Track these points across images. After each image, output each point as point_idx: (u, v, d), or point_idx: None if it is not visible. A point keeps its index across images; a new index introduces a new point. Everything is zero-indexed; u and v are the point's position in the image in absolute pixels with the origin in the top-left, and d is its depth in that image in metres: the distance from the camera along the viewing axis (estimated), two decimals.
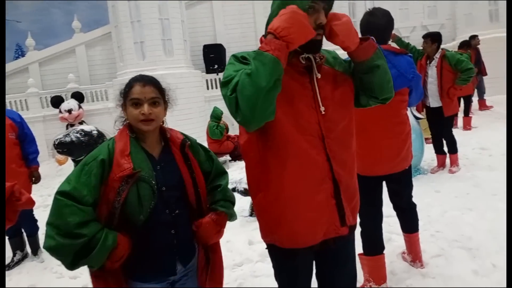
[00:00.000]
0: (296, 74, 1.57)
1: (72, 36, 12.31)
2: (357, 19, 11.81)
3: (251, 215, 4.71)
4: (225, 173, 1.97)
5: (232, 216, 1.89)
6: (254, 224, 4.39)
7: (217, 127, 7.93)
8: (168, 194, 1.66)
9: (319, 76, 1.58)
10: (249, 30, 13.09)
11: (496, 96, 11.52)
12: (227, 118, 10.76)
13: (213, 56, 11.83)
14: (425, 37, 5.36)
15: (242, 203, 5.05)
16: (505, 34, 12.34)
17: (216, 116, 8.07)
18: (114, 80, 10.78)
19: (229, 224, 4.78)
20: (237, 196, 5.12)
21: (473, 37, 9.94)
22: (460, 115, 7.84)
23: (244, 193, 4.58)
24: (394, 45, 5.34)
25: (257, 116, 1.36)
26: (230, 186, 6.08)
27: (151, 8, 10.12)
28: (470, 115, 8.42)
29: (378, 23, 2.76)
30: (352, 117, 1.69)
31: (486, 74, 9.89)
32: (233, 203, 1.91)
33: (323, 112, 1.55)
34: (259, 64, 1.32)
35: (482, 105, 10.12)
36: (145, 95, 1.64)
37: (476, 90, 9.82)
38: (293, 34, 1.35)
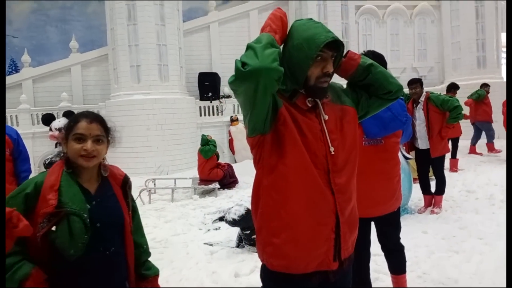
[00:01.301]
0: (303, 111, 1.61)
1: (67, 55, 12.37)
2: None
3: (238, 246, 4.67)
4: (142, 229, 1.95)
5: (154, 267, 1.92)
6: (241, 255, 4.36)
7: (208, 145, 8.00)
8: (104, 230, 1.63)
9: (326, 117, 1.61)
10: None
11: (483, 140, 11.77)
12: (218, 145, 10.81)
13: (207, 84, 11.96)
14: (413, 82, 5.50)
15: (229, 234, 5.02)
16: (490, 81, 12.80)
17: (204, 140, 8.14)
18: (107, 102, 10.80)
19: (215, 255, 4.74)
20: (224, 226, 5.15)
21: (485, 85, 10.21)
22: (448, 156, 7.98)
23: (232, 223, 4.52)
24: None
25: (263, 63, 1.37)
26: (217, 215, 6.05)
27: (150, 33, 10.27)
28: (457, 157, 8.58)
29: None
30: (357, 152, 1.72)
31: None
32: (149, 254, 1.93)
33: (332, 153, 1.59)
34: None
35: (491, 148, 10.27)
36: (90, 131, 1.65)
37: (485, 134, 10.07)
38: None
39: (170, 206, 6.90)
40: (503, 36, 13.86)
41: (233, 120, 11.40)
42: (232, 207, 4.70)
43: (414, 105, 5.52)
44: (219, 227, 5.46)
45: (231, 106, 12.05)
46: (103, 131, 1.72)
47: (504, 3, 14.44)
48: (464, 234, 4.58)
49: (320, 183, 1.57)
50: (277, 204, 1.59)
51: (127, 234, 1.74)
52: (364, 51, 3.00)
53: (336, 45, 1.57)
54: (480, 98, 9.82)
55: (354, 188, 1.72)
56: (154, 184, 8.09)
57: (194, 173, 8.57)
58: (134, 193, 7.55)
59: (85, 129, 1.64)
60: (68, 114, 10.49)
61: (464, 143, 9.71)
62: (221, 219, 5.52)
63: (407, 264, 3.11)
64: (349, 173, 1.66)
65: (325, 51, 1.54)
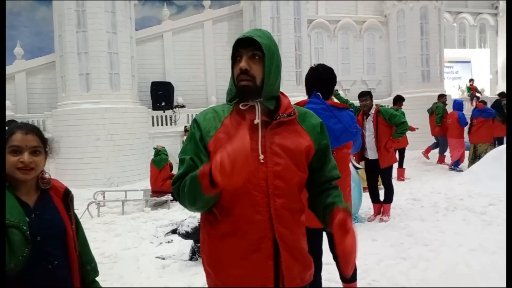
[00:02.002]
0: (243, 126, 1.56)
1: (12, 62, 11.78)
2: (302, 69, 12.40)
3: (191, 259, 4.58)
4: (89, 245, 1.86)
5: None
6: (194, 268, 4.28)
7: (160, 154, 7.87)
8: (45, 244, 1.58)
9: (257, 121, 1.56)
10: (198, 70, 13.26)
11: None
12: (171, 156, 10.63)
13: (161, 94, 11.78)
14: (364, 95, 5.71)
15: (182, 246, 4.93)
16: (434, 94, 13.49)
17: (156, 152, 8.01)
18: (53, 111, 10.36)
19: (167, 269, 4.63)
20: (177, 239, 5.05)
21: (441, 96, 10.75)
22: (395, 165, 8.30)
23: (185, 235, 4.44)
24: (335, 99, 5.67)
25: (198, 208, 1.56)
26: (170, 228, 5.93)
27: (100, 41, 9.99)
28: (403, 167, 8.95)
29: (322, 78, 2.94)
30: (304, 177, 1.65)
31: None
32: None
33: (261, 161, 1.53)
34: (189, 183, 1.47)
35: (441, 160, 10.73)
36: (26, 143, 1.59)
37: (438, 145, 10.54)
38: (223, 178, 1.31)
39: (120, 219, 6.68)
40: (446, 52, 14.71)
41: (187, 130, 11.23)
42: (185, 219, 4.63)
43: (365, 117, 5.71)
44: (172, 240, 5.34)
45: (184, 116, 11.92)
46: (40, 142, 1.64)
47: (447, 22, 15.37)
48: (411, 241, 4.75)
49: (248, 208, 1.53)
50: (215, 226, 1.63)
51: (70, 248, 1.67)
52: (314, 64, 3.08)
53: (254, 43, 1.54)
54: (442, 112, 10.28)
55: (300, 212, 1.66)
56: (104, 196, 7.81)
57: (146, 184, 8.36)
58: (83, 206, 7.31)
59: (21, 141, 1.58)
60: (10, 123, 9.97)
61: (409, 153, 10.14)
62: (174, 231, 5.41)
63: (358, 272, 3.18)
64: (293, 196, 1.61)
65: (240, 50, 1.56)
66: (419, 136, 12.21)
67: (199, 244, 4.36)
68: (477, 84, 15.02)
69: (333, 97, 4.86)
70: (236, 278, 1.55)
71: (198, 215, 4.54)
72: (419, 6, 13.87)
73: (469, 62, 16.21)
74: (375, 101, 5.87)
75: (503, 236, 4.62)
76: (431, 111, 10.73)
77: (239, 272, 1.54)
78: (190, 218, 4.56)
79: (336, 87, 3.75)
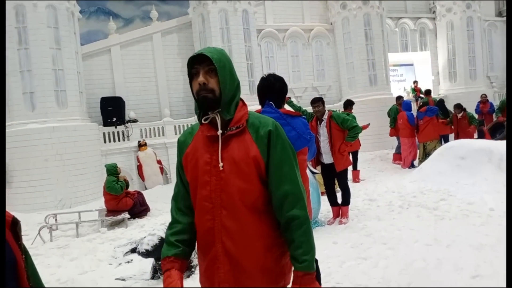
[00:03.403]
0: (205, 139, 1.70)
1: None
2: (255, 78, 12.51)
3: (153, 277, 4.45)
4: (39, 274, 1.78)
5: None
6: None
7: (117, 181, 7.55)
8: None
9: (220, 131, 1.66)
10: (150, 84, 13.02)
11: (379, 151, 12.83)
12: (127, 173, 10.35)
13: (111, 109, 11.43)
14: (316, 101, 5.83)
15: (143, 266, 4.79)
16: (382, 97, 14.08)
17: (112, 171, 7.70)
18: None
19: None
20: (137, 258, 4.89)
21: (398, 97, 11.28)
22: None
23: (146, 254, 4.30)
24: (288, 107, 5.76)
25: None
26: (129, 247, 5.74)
27: (44, 58, 9.58)
28: (358, 169, 9.20)
29: (273, 87, 2.98)
30: (249, 188, 1.67)
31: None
32: None
33: (221, 168, 1.64)
34: None
35: (395, 158, 11.11)
36: None
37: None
38: None
39: (75, 242, 6.39)
40: (390, 56, 15.35)
41: (141, 145, 10.98)
42: (145, 237, 4.50)
43: (318, 123, 5.83)
44: (131, 260, 5.17)
45: (138, 130, 11.64)
46: None
47: (389, 27, 16.05)
48: (370, 241, 4.87)
49: (203, 216, 1.72)
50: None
51: (22, 279, 1.57)
52: (265, 74, 3.13)
53: (208, 60, 1.63)
54: (394, 114, 10.72)
55: (253, 230, 1.69)
56: (56, 219, 7.44)
57: (101, 204, 8.06)
58: (34, 231, 6.94)
59: None
60: None
61: (362, 155, 10.46)
62: (133, 251, 5.23)
63: (321, 276, 3.22)
64: (243, 211, 1.68)
65: (196, 67, 1.66)
66: (371, 139, 12.69)
67: (160, 262, 4.26)
68: (421, 85, 15.76)
69: (286, 105, 4.94)
70: (202, 280, 1.79)
71: (157, 232, 4.43)
72: (362, 13, 14.42)
73: (412, 65, 17.00)
74: (326, 107, 6.01)
75: (455, 230, 4.86)
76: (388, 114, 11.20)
77: (204, 272, 1.77)
78: (149, 236, 4.43)
79: (288, 95, 3.81)
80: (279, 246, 1.71)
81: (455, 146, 7.76)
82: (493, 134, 10.40)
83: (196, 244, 1.82)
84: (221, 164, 1.63)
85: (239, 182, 1.64)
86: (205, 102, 1.64)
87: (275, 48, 14.62)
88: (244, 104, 1.75)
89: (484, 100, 12.31)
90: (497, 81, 19.20)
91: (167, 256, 1.75)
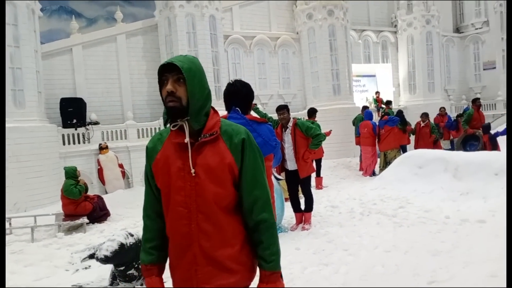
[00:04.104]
0: (176, 146, 1.71)
1: None
2: (221, 84, 12.49)
3: (111, 284, 4.33)
4: None
5: None
6: None
7: (76, 185, 7.30)
8: None
9: (186, 140, 1.68)
10: (113, 86, 12.72)
11: (342, 159, 13.10)
12: (86, 176, 10.03)
13: (71, 110, 11.06)
14: (281, 109, 5.92)
15: (101, 272, 4.64)
16: (345, 106, 14.41)
17: (71, 174, 7.44)
18: None
19: None
20: (95, 264, 4.74)
21: (364, 108, 11.75)
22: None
23: (104, 260, 4.16)
24: (254, 113, 5.79)
25: None
26: (87, 253, 5.57)
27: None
28: (321, 176, 9.35)
29: (239, 93, 3.00)
30: (223, 193, 1.71)
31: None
32: None
33: (193, 174, 1.66)
34: None
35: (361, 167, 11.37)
36: None
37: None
38: None
39: (30, 248, 6.12)
40: (353, 67, 15.76)
41: (102, 148, 10.68)
42: (104, 243, 4.35)
43: (283, 130, 5.90)
44: (90, 266, 5.01)
45: (99, 133, 11.33)
46: None
47: (353, 39, 16.49)
48: (332, 247, 4.95)
49: (178, 221, 1.74)
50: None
51: None
52: (231, 80, 3.14)
53: (178, 68, 1.65)
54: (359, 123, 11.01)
55: (227, 230, 1.74)
56: (10, 223, 7.10)
57: (59, 208, 7.77)
58: None
59: None
60: None
61: (325, 162, 10.64)
62: (92, 256, 5.05)
63: (284, 281, 3.23)
64: (217, 214, 1.73)
65: (166, 75, 1.68)
66: (334, 147, 12.92)
67: (120, 268, 4.15)
68: (382, 96, 16.26)
69: (252, 111, 4.97)
70: (177, 280, 1.79)
71: (117, 238, 4.31)
72: (327, 24, 14.75)
73: (374, 76, 17.55)
74: (291, 114, 6.09)
75: (413, 237, 5.02)
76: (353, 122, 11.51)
77: (176, 276, 1.79)
78: (109, 241, 4.30)
79: (254, 101, 3.84)
80: (250, 243, 1.79)
81: (414, 155, 8.05)
82: (464, 146, 10.46)
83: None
84: (193, 171, 1.66)
85: (214, 188, 1.68)
86: (171, 111, 1.67)
87: (242, 55, 14.68)
88: (215, 112, 1.78)
89: (443, 113, 12.79)
90: (453, 94, 20.12)
91: (144, 264, 1.83)
